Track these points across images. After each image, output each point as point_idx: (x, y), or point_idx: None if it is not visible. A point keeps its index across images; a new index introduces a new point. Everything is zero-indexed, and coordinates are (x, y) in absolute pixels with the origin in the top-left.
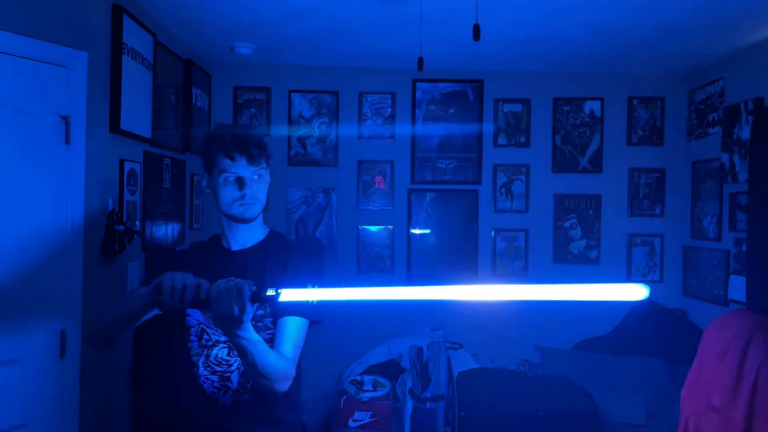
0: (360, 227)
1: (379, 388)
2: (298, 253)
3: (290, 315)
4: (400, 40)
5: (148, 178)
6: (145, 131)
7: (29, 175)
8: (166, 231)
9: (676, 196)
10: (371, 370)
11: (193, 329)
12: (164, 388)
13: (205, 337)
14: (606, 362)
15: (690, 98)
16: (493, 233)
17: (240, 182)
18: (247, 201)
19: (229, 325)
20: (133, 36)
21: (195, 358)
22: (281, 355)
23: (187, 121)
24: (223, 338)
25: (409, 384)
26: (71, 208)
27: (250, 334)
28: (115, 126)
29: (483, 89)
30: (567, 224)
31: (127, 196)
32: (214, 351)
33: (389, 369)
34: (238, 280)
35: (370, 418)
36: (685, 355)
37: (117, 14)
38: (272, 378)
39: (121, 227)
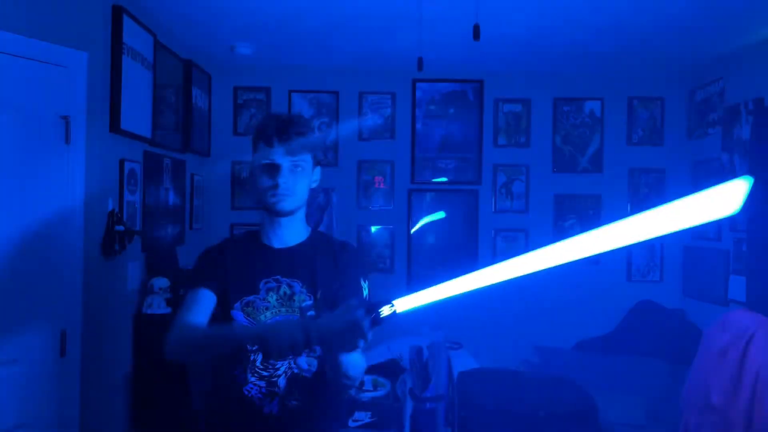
0: (360, 227)
1: (379, 388)
2: (346, 249)
3: None
4: (400, 40)
5: (148, 178)
6: (145, 131)
7: (29, 175)
8: (166, 231)
9: (676, 196)
10: (371, 369)
11: None
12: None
13: None
14: (606, 362)
15: (690, 98)
16: (493, 233)
17: (275, 170)
18: (280, 191)
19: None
20: (133, 36)
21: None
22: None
23: (187, 121)
24: None
25: (409, 384)
26: (71, 208)
27: None
28: (115, 126)
29: (483, 89)
30: (567, 224)
31: (127, 196)
32: (260, 356)
33: (389, 369)
34: (350, 315)
35: (370, 418)
36: (685, 355)
37: (117, 14)
38: (355, 376)
39: (121, 227)
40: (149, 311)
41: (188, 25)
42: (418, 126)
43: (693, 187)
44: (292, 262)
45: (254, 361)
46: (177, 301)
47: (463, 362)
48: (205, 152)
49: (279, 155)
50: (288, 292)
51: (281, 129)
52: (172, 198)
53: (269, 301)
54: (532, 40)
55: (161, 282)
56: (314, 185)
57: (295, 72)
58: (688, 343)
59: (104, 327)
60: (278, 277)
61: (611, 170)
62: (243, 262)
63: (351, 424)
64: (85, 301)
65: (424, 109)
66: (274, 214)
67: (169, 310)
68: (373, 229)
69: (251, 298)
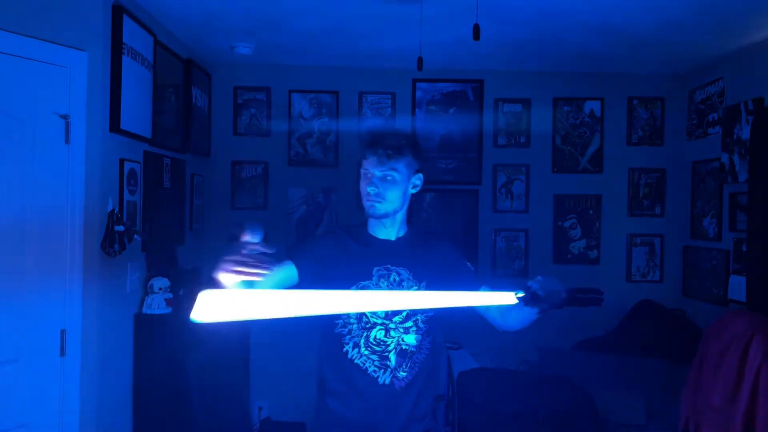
0: None
1: None
2: (443, 240)
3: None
4: (400, 40)
5: (148, 178)
6: (145, 131)
7: (29, 174)
8: (166, 231)
9: (676, 196)
10: None
11: (353, 312)
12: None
13: (365, 319)
14: (606, 362)
15: (690, 98)
16: (493, 233)
17: (368, 179)
18: (372, 198)
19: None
20: (133, 36)
21: (357, 339)
22: None
23: (187, 121)
24: (380, 321)
25: None
26: (71, 208)
27: None
28: (115, 126)
29: (483, 89)
30: (567, 224)
31: (127, 196)
32: (373, 332)
33: None
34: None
35: None
36: (685, 355)
37: (117, 14)
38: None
39: (121, 227)
40: (149, 311)
41: (188, 25)
42: (418, 126)
43: (693, 187)
44: (399, 252)
45: (367, 337)
46: (177, 301)
47: (463, 362)
48: (205, 152)
49: (372, 165)
50: (397, 279)
51: (374, 142)
52: (172, 198)
53: (380, 287)
54: (532, 40)
55: (161, 282)
56: (415, 190)
57: (295, 72)
58: (688, 343)
59: (104, 327)
60: (388, 265)
61: (611, 170)
62: (357, 251)
63: None
64: (84, 301)
65: (424, 109)
66: (370, 217)
67: (169, 310)
68: None
69: (366, 282)
